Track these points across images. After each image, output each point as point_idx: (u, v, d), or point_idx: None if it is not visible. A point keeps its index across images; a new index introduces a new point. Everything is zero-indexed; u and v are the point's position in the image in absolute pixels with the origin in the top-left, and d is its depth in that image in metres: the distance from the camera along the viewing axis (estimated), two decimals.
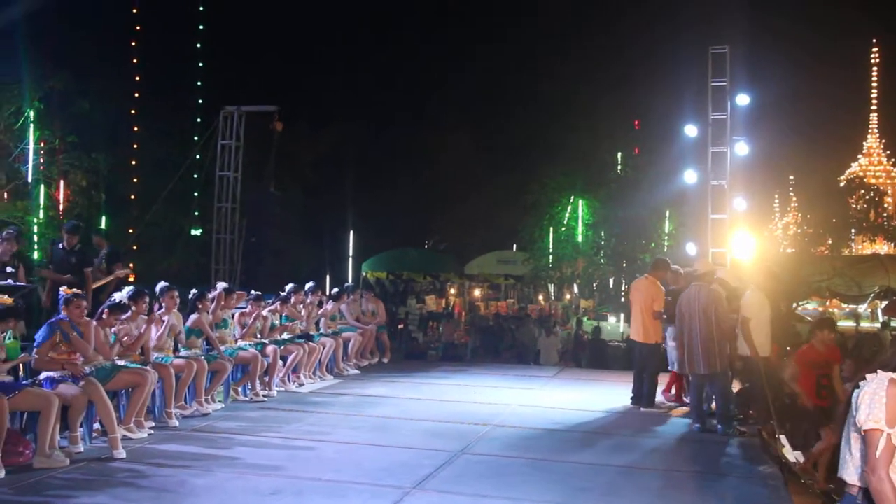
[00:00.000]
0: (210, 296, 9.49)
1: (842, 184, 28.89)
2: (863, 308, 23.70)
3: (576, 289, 25.51)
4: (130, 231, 22.29)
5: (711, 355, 8.39)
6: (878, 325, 21.68)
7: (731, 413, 8.61)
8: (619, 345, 17.62)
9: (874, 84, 62.20)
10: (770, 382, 8.02)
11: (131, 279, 11.13)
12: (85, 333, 6.92)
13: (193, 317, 8.91)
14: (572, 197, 23.46)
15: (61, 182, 19.14)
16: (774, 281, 9.52)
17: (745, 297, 8.16)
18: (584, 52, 33.03)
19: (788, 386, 7.88)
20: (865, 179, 34.69)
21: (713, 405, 8.94)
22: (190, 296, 9.10)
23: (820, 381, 7.82)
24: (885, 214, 25.32)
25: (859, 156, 60.71)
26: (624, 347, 17.46)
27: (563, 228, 23.49)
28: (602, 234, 22.59)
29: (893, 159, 59.95)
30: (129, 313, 7.67)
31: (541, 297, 27.41)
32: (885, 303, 21.73)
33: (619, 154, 24.20)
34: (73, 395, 6.48)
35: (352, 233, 27.30)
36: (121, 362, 7.42)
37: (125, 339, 7.57)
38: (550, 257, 23.32)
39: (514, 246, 27.12)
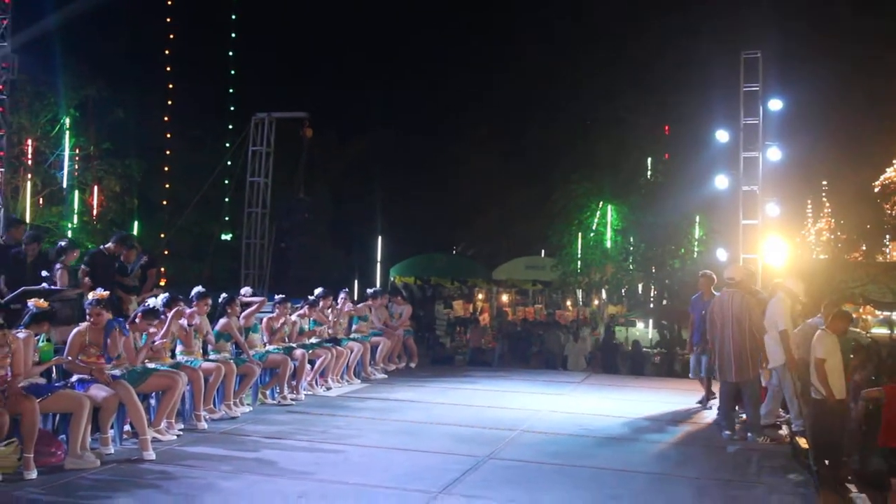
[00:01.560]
0: (243, 300, 9.59)
1: (876, 189, 28.52)
2: None
3: (604, 294, 25.36)
4: (162, 236, 22.59)
5: (743, 363, 8.30)
6: None
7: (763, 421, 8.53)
8: (649, 350, 17.53)
9: None
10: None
11: (162, 283, 11.26)
12: (112, 338, 6.98)
13: (223, 320, 8.98)
14: (601, 202, 23.33)
15: (95, 188, 19.47)
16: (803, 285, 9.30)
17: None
18: (616, 59, 32.86)
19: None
20: None
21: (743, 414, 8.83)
22: (220, 300, 9.18)
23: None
24: None
25: (894, 161, 59.76)
26: (661, 354, 17.34)
27: (592, 234, 23.36)
28: (631, 240, 22.42)
29: None
30: (159, 319, 7.75)
31: (569, 303, 27.30)
32: None
33: (649, 159, 24.04)
34: (105, 397, 6.57)
35: (380, 238, 27.40)
36: (151, 365, 7.51)
37: (155, 342, 7.65)
38: (579, 263, 23.20)
39: (543, 251, 27.03)
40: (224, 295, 9.27)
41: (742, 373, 8.33)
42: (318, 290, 11.31)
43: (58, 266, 9.24)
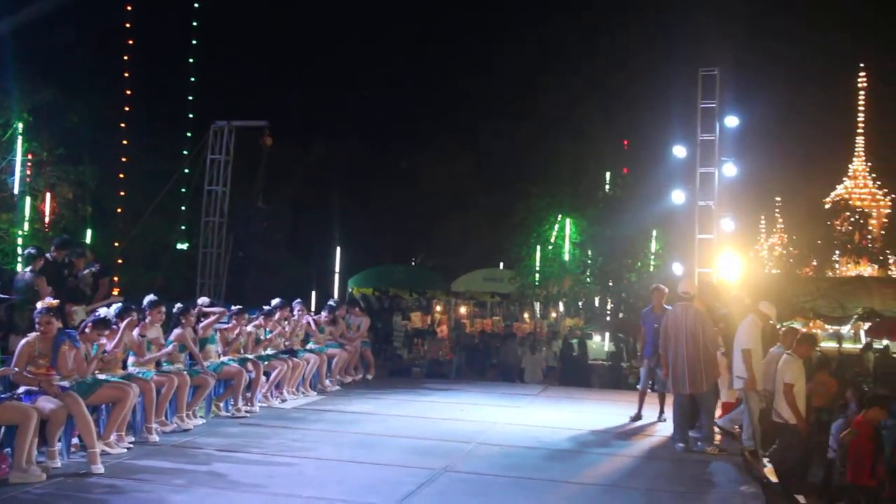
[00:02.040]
0: (203, 310, 9.48)
1: (827, 206, 29.14)
2: (846, 329, 23.86)
3: (561, 307, 25.53)
4: (116, 244, 22.18)
5: (697, 376, 8.40)
6: (861, 347, 21.78)
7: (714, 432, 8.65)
8: (604, 363, 17.65)
9: (861, 108, 62.88)
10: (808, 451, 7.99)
11: (115, 292, 11.05)
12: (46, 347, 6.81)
13: (177, 331, 8.85)
14: (560, 216, 23.53)
15: (48, 195, 19.06)
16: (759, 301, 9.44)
17: (785, 361, 8.03)
18: (576, 74, 33.28)
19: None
20: (851, 202, 35.05)
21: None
22: (174, 310, 9.04)
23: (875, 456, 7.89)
24: (869, 237, 25.59)
25: (845, 178, 61.31)
26: (608, 366, 17.50)
27: (551, 247, 23.54)
28: (589, 253, 22.63)
29: (879, 182, 60.49)
30: (110, 329, 7.59)
31: (526, 315, 27.42)
32: (868, 324, 21.87)
33: (608, 174, 24.33)
34: (53, 409, 6.41)
35: (339, 249, 27.27)
36: (102, 376, 7.36)
37: (105, 354, 7.50)
38: (537, 275, 23.34)
39: (501, 264, 27.15)
40: (179, 305, 9.14)
41: (695, 385, 8.41)
42: (275, 301, 11.21)
43: (28, 273, 9.08)
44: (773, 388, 8.11)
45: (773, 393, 8.15)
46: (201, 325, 9.36)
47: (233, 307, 10.23)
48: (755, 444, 8.33)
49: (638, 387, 10.25)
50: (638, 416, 10.02)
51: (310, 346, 11.89)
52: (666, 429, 9.42)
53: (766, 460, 8.08)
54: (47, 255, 9.88)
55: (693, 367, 8.40)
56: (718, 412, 9.51)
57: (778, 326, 9.46)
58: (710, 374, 8.48)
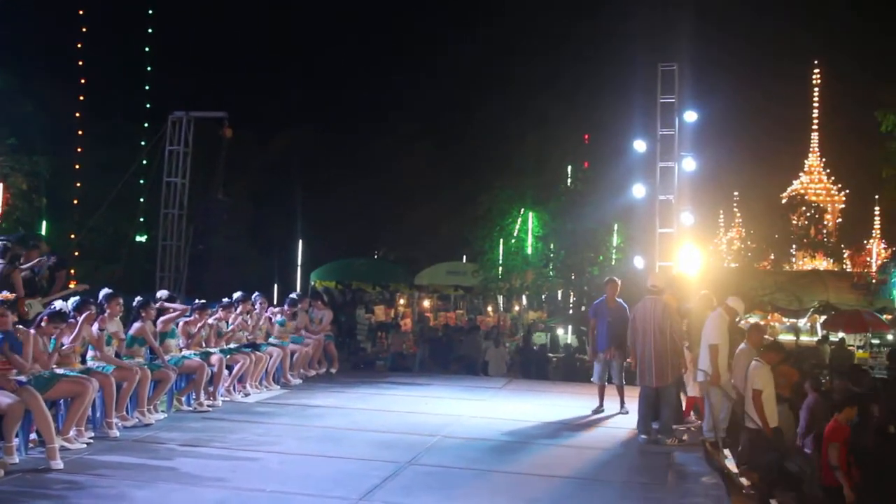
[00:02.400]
0: (164, 304, 9.35)
1: (784, 201, 29.67)
2: (803, 322, 24.31)
3: (524, 300, 25.65)
4: (72, 237, 21.77)
5: (663, 368, 8.53)
6: (817, 339, 22.23)
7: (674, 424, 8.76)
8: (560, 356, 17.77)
9: (815, 104, 64.00)
10: (780, 453, 8.06)
11: (72, 285, 10.83)
12: (24, 343, 6.68)
13: (137, 324, 8.72)
14: (522, 209, 23.61)
15: (0, 185, 18.61)
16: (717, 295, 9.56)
17: (755, 367, 8.11)
18: (537, 67, 33.38)
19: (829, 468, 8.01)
20: (807, 197, 35.69)
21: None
22: (134, 303, 8.90)
23: (848, 458, 8.02)
24: (824, 231, 26.12)
25: (801, 174, 62.38)
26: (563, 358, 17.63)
27: (513, 240, 23.61)
28: (552, 247, 22.75)
29: (833, 178, 61.70)
30: (67, 322, 7.45)
31: (490, 309, 27.50)
32: (824, 317, 22.32)
33: (569, 167, 24.45)
34: (9, 403, 6.26)
35: (300, 241, 27.07)
36: (60, 371, 7.21)
37: (65, 347, 7.35)
38: (500, 269, 23.41)
39: (464, 257, 27.17)
40: (138, 298, 8.99)
41: (661, 378, 8.53)
42: (237, 294, 11.08)
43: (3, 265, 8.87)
44: (743, 386, 8.20)
45: (743, 394, 8.24)
46: (161, 319, 9.22)
47: (196, 301, 10.09)
48: (715, 435, 8.45)
49: (593, 380, 10.27)
50: (600, 409, 10.10)
51: (272, 339, 11.78)
52: (628, 421, 9.52)
53: (726, 451, 8.19)
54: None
55: (660, 360, 8.53)
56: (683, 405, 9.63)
57: (738, 320, 9.56)
58: (676, 368, 8.61)
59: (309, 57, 35.12)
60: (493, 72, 34.58)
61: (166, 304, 9.61)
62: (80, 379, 7.19)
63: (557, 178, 23.96)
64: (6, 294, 6.86)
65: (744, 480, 7.48)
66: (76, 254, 20.99)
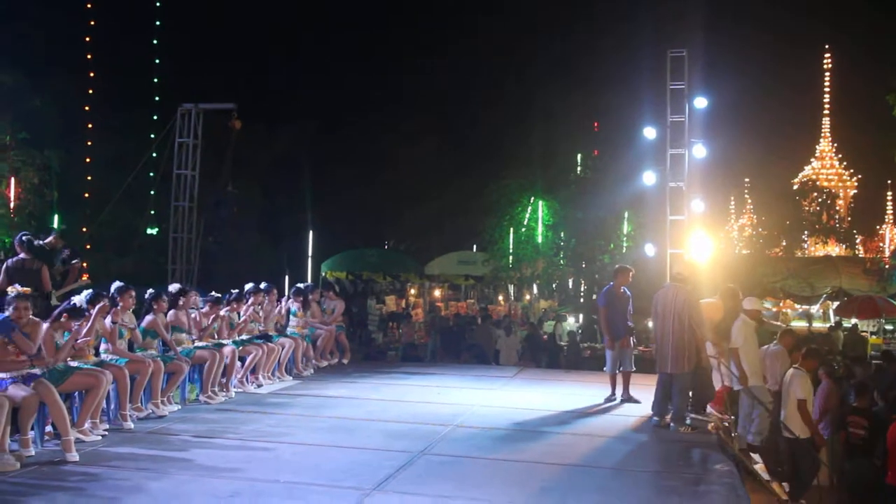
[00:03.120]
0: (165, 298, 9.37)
1: (795, 187, 29.50)
2: (815, 308, 24.19)
3: (535, 289, 25.64)
4: (84, 230, 21.88)
5: (681, 356, 8.55)
6: (830, 326, 22.11)
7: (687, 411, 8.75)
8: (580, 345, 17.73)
9: (826, 89, 63.55)
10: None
11: (85, 278, 10.91)
12: (31, 334, 6.72)
13: (149, 317, 8.76)
14: (532, 198, 23.58)
15: (12, 179, 18.71)
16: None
17: (795, 376, 8.02)
18: (546, 55, 33.28)
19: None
20: (818, 183, 35.51)
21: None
22: (146, 296, 8.94)
23: None
24: (836, 217, 25.96)
25: (812, 159, 62.01)
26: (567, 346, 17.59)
27: (524, 229, 23.59)
28: (562, 235, 22.73)
29: (845, 163, 61.30)
30: (84, 317, 7.49)
31: (501, 298, 27.50)
32: (836, 303, 22.20)
33: (579, 156, 24.39)
34: (24, 396, 6.31)
35: (311, 232, 27.12)
36: (74, 363, 7.25)
37: (80, 340, 7.38)
38: (510, 258, 23.40)
39: (475, 246, 27.17)
40: (150, 291, 9.03)
41: (677, 365, 8.57)
42: (248, 286, 11.10)
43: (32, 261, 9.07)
44: (779, 389, 8.16)
45: (778, 395, 8.21)
46: (172, 312, 9.23)
47: (210, 294, 10.11)
48: (747, 438, 8.37)
49: (606, 370, 10.23)
50: (612, 398, 10.08)
51: (289, 330, 11.83)
52: (640, 410, 9.52)
53: (756, 456, 8.13)
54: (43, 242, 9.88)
55: (677, 348, 8.55)
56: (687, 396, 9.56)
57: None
58: (694, 357, 8.62)
59: (317, 48, 35.07)
60: (502, 61, 34.49)
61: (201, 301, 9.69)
62: (95, 371, 7.23)
63: (567, 166, 23.93)
64: (22, 288, 6.88)
65: (775, 486, 7.42)
66: (88, 247, 21.10)
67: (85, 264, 10.78)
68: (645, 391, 9.67)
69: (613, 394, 10.09)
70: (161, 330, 8.81)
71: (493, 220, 23.78)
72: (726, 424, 8.63)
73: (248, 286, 11.06)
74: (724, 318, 8.88)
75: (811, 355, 8.51)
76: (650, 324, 9.77)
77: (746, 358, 8.40)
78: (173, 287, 9.83)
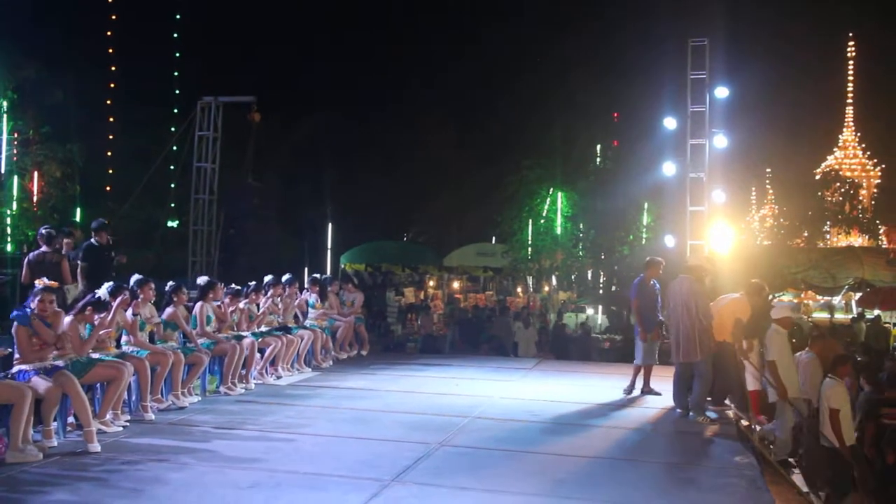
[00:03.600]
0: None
1: (817, 177, 29.17)
2: (837, 300, 23.98)
3: (554, 281, 25.59)
4: (106, 223, 22.05)
5: (689, 345, 8.58)
6: (852, 317, 21.90)
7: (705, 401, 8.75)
8: (599, 336, 17.69)
9: (850, 78, 62.75)
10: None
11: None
12: (53, 324, 6.79)
13: (169, 309, 8.83)
14: (551, 189, 23.50)
15: (35, 173, 18.91)
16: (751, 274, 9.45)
17: (830, 386, 7.92)
18: (565, 46, 33.10)
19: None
20: (841, 173, 35.05)
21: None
22: (166, 288, 9.03)
23: None
24: (859, 207, 25.64)
25: (835, 149, 61.29)
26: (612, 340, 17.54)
27: (542, 220, 23.53)
28: (581, 227, 22.65)
29: (868, 153, 60.56)
30: (107, 309, 7.57)
31: (519, 290, 27.48)
32: (859, 294, 21.98)
33: (598, 146, 24.28)
34: (47, 388, 6.39)
35: (330, 225, 27.21)
36: (96, 355, 7.33)
37: (101, 332, 7.46)
38: (529, 249, 23.35)
39: (493, 238, 27.14)
40: (171, 283, 9.11)
41: (688, 355, 8.61)
42: (267, 278, 11.17)
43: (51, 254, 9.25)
44: (816, 399, 8.07)
45: (812, 403, 8.12)
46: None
47: (230, 287, 10.18)
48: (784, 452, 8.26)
49: (637, 362, 10.14)
50: (631, 389, 10.05)
51: (307, 322, 11.90)
52: (659, 401, 9.51)
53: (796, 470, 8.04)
54: (93, 239, 10.09)
55: (687, 337, 8.58)
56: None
57: (771, 298, 9.48)
58: (705, 345, 8.57)
59: (336, 40, 35.07)
60: (522, 51, 34.37)
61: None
62: (116, 363, 7.31)
63: (586, 157, 23.84)
64: (48, 282, 6.97)
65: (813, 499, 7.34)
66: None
67: (124, 259, 10.96)
68: (666, 383, 9.64)
69: (633, 386, 10.06)
70: (181, 322, 8.88)
71: (512, 211, 23.74)
72: (758, 428, 8.52)
73: (268, 278, 11.13)
74: (753, 317, 8.76)
75: (842, 362, 8.37)
76: (660, 316, 9.71)
77: (782, 370, 8.24)
78: (201, 279, 9.91)
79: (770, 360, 8.29)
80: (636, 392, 9.99)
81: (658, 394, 9.83)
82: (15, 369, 6.55)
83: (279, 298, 11.18)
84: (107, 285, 7.98)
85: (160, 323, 8.57)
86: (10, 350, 6.65)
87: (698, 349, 8.56)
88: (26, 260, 9.63)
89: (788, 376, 8.23)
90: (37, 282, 7.06)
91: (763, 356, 8.55)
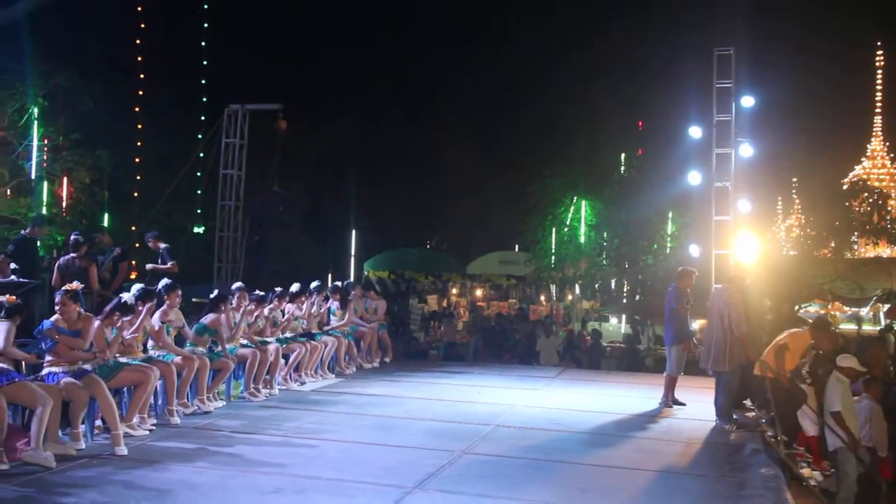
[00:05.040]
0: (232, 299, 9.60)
1: (845, 187, 28.83)
2: (865, 311, 23.66)
3: (577, 290, 25.50)
4: (133, 229, 22.33)
5: (720, 354, 8.68)
6: (880, 329, 21.58)
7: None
8: (620, 346, 17.61)
9: (878, 87, 62.04)
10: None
11: (133, 276, 11.22)
12: (84, 329, 6.88)
13: (212, 315, 8.93)
14: (575, 197, 23.44)
15: (64, 179, 19.18)
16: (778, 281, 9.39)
17: (864, 406, 7.91)
18: (590, 54, 33.16)
19: None
20: (869, 182, 34.61)
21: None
22: (210, 296, 9.28)
23: None
24: (888, 217, 25.27)
25: (863, 159, 60.56)
26: (624, 349, 17.48)
27: (566, 229, 23.46)
28: (605, 235, 22.55)
29: None
30: (134, 313, 7.66)
31: (542, 298, 27.42)
32: (887, 306, 21.67)
33: (623, 155, 24.18)
34: (75, 391, 6.48)
35: (354, 232, 27.33)
36: (123, 359, 7.42)
37: (127, 336, 7.55)
38: (553, 258, 23.29)
39: (517, 246, 27.10)
40: (216, 291, 9.31)
41: (716, 363, 8.71)
42: (294, 286, 11.21)
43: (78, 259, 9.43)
44: (881, 448, 7.99)
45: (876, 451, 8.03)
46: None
47: (255, 293, 10.25)
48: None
49: (670, 372, 9.98)
50: (673, 402, 9.91)
51: (331, 329, 11.95)
52: (684, 412, 9.47)
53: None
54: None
55: (717, 346, 8.69)
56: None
57: (797, 309, 9.43)
58: (734, 356, 8.62)
59: (362, 50, 35.28)
60: (547, 59, 34.37)
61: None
62: (143, 367, 7.40)
63: (610, 165, 23.73)
64: (73, 285, 7.07)
65: None
66: (137, 245, 21.53)
67: (134, 262, 11.11)
68: (689, 393, 9.59)
69: (667, 396, 9.92)
70: (221, 330, 8.98)
71: (535, 219, 23.68)
72: (819, 477, 8.34)
73: (295, 286, 11.16)
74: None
75: (874, 383, 8.25)
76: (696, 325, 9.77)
77: (848, 420, 8.03)
78: (235, 286, 10.02)
79: (835, 412, 7.86)
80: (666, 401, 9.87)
81: (683, 404, 9.77)
82: (44, 371, 6.65)
83: (304, 304, 11.24)
84: (136, 288, 8.08)
85: (182, 327, 8.64)
86: (39, 357, 6.74)
87: (727, 359, 8.61)
88: (56, 265, 9.78)
89: (852, 426, 7.95)
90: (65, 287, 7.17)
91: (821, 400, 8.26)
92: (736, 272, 9.24)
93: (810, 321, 9.63)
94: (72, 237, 9.97)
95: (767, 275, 11.56)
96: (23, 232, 10.30)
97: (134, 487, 5.73)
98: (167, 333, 8.32)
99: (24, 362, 6.77)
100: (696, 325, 13.10)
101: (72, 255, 9.74)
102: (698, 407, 9.60)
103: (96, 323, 7.07)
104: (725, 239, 13.49)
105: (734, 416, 8.69)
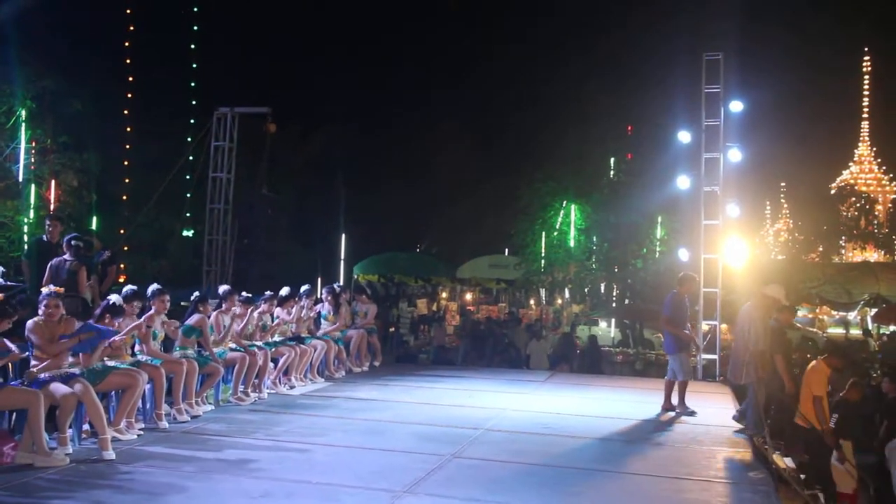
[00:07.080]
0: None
1: (833, 191, 29.04)
2: (852, 315, 23.81)
3: (567, 293, 25.54)
4: (121, 232, 22.23)
5: (738, 366, 8.88)
6: (861, 332, 21.71)
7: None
8: (611, 350, 17.63)
9: (865, 93, 62.52)
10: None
11: (122, 279, 11.15)
12: (65, 331, 6.82)
13: (196, 316, 8.88)
14: (565, 202, 23.48)
15: (52, 182, 19.04)
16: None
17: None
18: (579, 58, 33.24)
19: None
20: (856, 187, 34.87)
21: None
22: (192, 298, 9.19)
23: None
24: (875, 222, 25.49)
25: (850, 164, 61.03)
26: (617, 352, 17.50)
27: (556, 233, 23.50)
28: (594, 240, 22.60)
29: (884, 167, 60.24)
30: (123, 315, 7.62)
31: (532, 302, 27.44)
32: (874, 310, 21.81)
33: (612, 159, 24.24)
34: (62, 395, 6.43)
35: (343, 235, 27.28)
36: (111, 363, 7.37)
37: (115, 339, 7.50)
38: (542, 262, 23.32)
39: (506, 250, 27.12)
40: (197, 293, 9.24)
41: (735, 374, 8.96)
42: (284, 290, 11.17)
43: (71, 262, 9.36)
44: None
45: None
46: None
47: (242, 295, 10.20)
48: None
49: (677, 378, 9.93)
50: (689, 410, 9.86)
51: (319, 334, 11.92)
52: (672, 416, 9.47)
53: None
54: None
55: (737, 358, 8.91)
56: None
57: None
58: (750, 370, 8.71)
59: (351, 53, 35.28)
60: (536, 64, 34.47)
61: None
62: (131, 371, 7.35)
63: (600, 169, 23.79)
64: (57, 287, 7.03)
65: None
66: (125, 248, 21.44)
67: (122, 265, 11.03)
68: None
69: (669, 402, 9.86)
70: (206, 330, 8.93)
71: (525, 223, 23.71)
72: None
73: (284, 290, 11.12)
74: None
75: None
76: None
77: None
78: (222, 289, 9.96)
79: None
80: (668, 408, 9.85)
81: (693, 413, 9.64)
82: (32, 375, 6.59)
83: (294, 308, 11.20)
84: (125, 289, 8.04)
85: (177, 328, 8.60)
86: (27, 353, 6.68)
87: (743, 372, 8.75)
88: (49, 265, 9.72)
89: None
90: (43, 288, 7.13)
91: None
92: (771, 292, 9.15)
93: (799, 326, 9.74)
94: (65, 239, 9.90)
95: (756, 278, 11.59)
96: (44, 237, 10.28)
97: (122, 492, 5.69)
98: (154, 338, 8.27)
99: (10, 366, 6.73)
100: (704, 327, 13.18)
101: (64, 257, 9.67)
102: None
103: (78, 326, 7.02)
104: (714, 243, 13.56)
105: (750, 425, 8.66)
